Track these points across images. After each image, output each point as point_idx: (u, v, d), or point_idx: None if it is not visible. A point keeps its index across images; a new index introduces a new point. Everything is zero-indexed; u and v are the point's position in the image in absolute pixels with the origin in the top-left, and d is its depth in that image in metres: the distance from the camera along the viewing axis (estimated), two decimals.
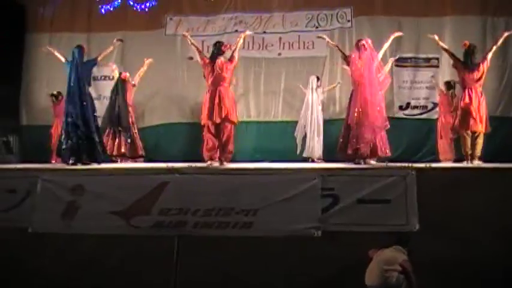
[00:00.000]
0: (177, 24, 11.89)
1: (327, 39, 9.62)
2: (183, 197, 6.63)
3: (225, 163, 7.91)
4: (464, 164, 8.14)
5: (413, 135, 10.78)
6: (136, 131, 10.26)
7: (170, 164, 7.66)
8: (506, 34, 8.82)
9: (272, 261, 6.44)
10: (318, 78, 10.58)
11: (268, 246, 6.46)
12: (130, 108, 10.21)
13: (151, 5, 12.04)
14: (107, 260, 6.87)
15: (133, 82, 10.29)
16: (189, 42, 9.14)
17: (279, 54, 11.52)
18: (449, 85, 10.32)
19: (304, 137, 10.22)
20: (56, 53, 9.30)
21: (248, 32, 9.43)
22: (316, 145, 10.15)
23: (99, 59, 9.52)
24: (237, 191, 6.50)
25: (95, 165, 8.09)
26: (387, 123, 8.16)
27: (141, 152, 10.17)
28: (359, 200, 6.37)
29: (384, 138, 8.05)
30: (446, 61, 11.09)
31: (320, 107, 10.42)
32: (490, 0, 11.16)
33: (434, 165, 7.60)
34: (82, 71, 8.66)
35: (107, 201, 6.89)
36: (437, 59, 11.28)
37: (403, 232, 5.88)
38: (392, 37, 9.05)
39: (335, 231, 6.36)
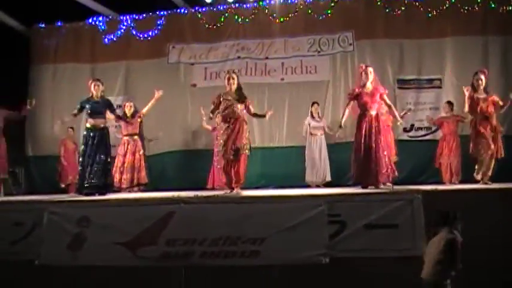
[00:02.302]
0: (180, 52, 12.01)
1: None
2: (190, 227, 6.61)
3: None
4: (470, 186, 8.10)
5: (418, 157, 10.74)
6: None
7: (176, 194, 7.65)
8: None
9: None
10: (314, 104, 10.66)
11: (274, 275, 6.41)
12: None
13: (153, 34, 12.16)
14: None
15: (139, 114, 10.22)
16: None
17: (282, 79, 11.57)
18: (450, 104, 10.28)
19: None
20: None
21: None
22: (319, 170, 10.21)
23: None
24: (244, 220, 6.47)
25: (100, 197, 8.11)
26: None
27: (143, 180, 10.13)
28: (366, 225, 6.33)
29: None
30: (449, 81, 11.15)
31: (320, 132, 10.49)
32: (489, 20, 11.20)
33: (440, 187, 7.57)
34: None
35: (113, 232, 6.86)
36: (439, 79, 11.31)
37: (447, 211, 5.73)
38: None
39: (343, 257, 6.31)
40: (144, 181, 10.05)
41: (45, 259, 6.94)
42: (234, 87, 8.16)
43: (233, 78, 8.18)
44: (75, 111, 8.83)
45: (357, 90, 8.10)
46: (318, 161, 10.31)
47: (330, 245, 6.28)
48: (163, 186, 10.03)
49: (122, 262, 6.76)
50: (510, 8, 11.17)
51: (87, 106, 8.67)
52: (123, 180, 9.81)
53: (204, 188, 9.94)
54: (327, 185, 10.23)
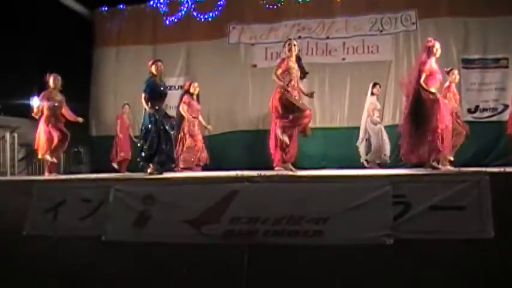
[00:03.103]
0: (240, 32, 12.06)
1: None
2: (253, 206, 6.62)
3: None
4: None
5: (483, 138, 10.50)
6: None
7: (240, 172, 7.71)
8: None
9: (344, 270, 6.36)
10: (374, 85, 10.42)
11: (340, 255, 6.38)
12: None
13: (214, 14, 12.26)
14: (177, 268, 6.93)
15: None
16: None
17: (343, 59, 11.51)
18: None
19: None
20: None
21: None
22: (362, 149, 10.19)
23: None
24: (307, 199, 6.43)
25: (165, 175, 8.24)
26: None
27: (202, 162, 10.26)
28: (431, 206, 6.18)
29: None
30: None
31: (373, 113, 10.31)
32: None
33: (508, 169, 7.35)
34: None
35: (178, 210, 6.93)
36: (506, 59, 10.99)
37: None
38: None
39: (407, 239, 6.23)
40: (206, 161, 10.19)
41: (111, 235, 7.08)
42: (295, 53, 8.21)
43: (295, 45, 8.22)
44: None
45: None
46: (381, 141, 10.20)
47: (394, 226, 6.18)
48: (224, 165, 10.11)
49: (186, 239, 6.83)
50: None
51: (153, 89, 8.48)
52: (191, 159, 9.99)
53: (265, 168, 9.98)
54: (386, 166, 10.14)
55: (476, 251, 6.11)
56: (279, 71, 8.02)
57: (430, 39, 7.87)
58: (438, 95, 7.50)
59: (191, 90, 10.22)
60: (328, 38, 11.61)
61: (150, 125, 8.43)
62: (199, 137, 10.31)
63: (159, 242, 6.96)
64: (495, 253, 6.02)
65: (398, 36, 11.32)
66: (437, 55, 7.60)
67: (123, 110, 11.59)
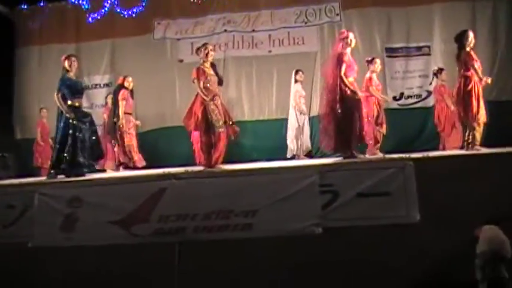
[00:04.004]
0: (166, 27, 11.89)
1: None
2: (182, 203, 6.58)
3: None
4: (461, 152, 8.08)
5: (409, 125, 10.72)
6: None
7: (167, 170, 7.62)
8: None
9: (274, 262, 6.39)
10: (297, 71, 10.39)
11: (270, 247, 6.40)
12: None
13: (138, 10, 12.02)
14: (108, 270, 6.81)
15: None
16: None
17: (270, 51, 11.50)
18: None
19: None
20: None
21: None
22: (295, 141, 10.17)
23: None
24: (235, 193, 6.45)
25: (90, 176, 8.02)
26: None
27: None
28: (358, 194, 6.32)
29: None
30: (438, 48, 11.09)
31: (299, 101, 10.25)
32: None
33: (432, 154, 7.55)
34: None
35: (105, 211, 6.84)
36: (428, 47, 11.25)
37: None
38: None
39: (336, 227, 6.30)
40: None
41: (37, 241, 6.91)
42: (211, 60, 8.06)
43: (212, 50, 8.07)
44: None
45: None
46: (307, 131, 10.27)
47: (322, 215, 6.28)
48: (154, 163, 9.95)
49: (115, 240, 6.74)
50: None
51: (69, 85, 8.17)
52: (134, 159, 9.78)
53: (195, 164, 9.89)
54: (308, 155, 10.28)
55: (402, 236, 6.27)
56: (201, 84, 7.84)
57: (343, 31, 8.05)
58: (357, 90, 7.60)
59: (125, 84, 9.94)
60: (254, 31, 11.57)
61: (65, 129, 8.06)
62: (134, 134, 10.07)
63: (87, 245, 6.81)
64: (420, 237, 6.19)
65: (323, 28, 11.40)
66: (352, 46, 7.69)
67: (41, 115, 11.21)
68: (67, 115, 8.01)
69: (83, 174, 7.98)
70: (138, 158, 9.92)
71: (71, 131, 8.02)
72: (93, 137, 8.32)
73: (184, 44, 11.68)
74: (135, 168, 9.82)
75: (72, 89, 8.17)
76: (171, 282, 6.58)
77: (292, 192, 6.32)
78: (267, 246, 6.41)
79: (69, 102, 8.08)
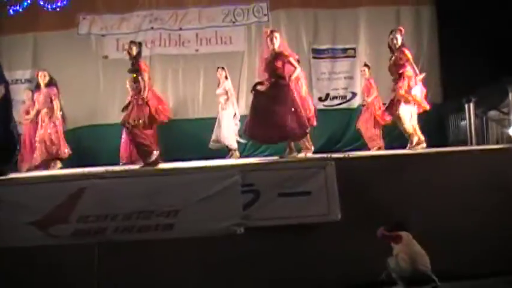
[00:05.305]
0: (91, 22, 11.67)
1: None
2: (102, 203, 6.40)
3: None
4: (382, 152, 8.29)
5: (334, 125, 10.94)
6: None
7: (87, 169, 7.45)
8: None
9: (196, 262, 6.36)
10: (222, 68, 10.36)
11: (192, 247, 6.36)
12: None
13: (62, 4, 11.71)
14: (26, 273, 6.59)
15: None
16: None
17: (197, 50, 11.51)
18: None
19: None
20: None
21: None
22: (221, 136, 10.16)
23: None
24: (157, 193, 6.32)
25: (7, 176, 7.72)
26: None
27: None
28: (280, 193, 6.33)
29: None
30: (363, 51, 11.36)
31: (224, 98, 10.23)
32: None
33: (352, 154, 7.70)
34: None
35: (23, 212, 6.56)
36: (354, 49, 11.52)
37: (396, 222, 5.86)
38: None
39: (258, 226, 6.32)
40: (64, 155, 9.67)
41: None
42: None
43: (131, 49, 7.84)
44: None
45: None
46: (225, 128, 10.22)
47: (244, 214, 6.26)
48: (77, 162, 9.71)
49: (33, 242, 6.48)
50: None
51: None
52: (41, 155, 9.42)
53: (119, 163, 9.74)
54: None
55: (323, 234, 6.35)
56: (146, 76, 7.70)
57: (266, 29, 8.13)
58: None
59: (39, 80, 9.60)
60: (181, 29, 11.56)
61: None
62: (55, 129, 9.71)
63: (4, 248, 6.56)
64: (341, 235, 6.29)
65: (251, 27, 11.51)
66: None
67: None
68: None
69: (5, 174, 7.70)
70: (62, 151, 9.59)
71: None
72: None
73: (110, 40, 11.53)
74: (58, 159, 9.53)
75: None
76: (91, 284, 6.43)
77: (214, 192, 6.27)
78: (189, 247, 6.36)
79: None
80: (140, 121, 7.66)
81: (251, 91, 7.72)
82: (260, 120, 7.42)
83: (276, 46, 7.52)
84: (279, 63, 7.43)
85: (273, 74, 7.46)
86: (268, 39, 7.56)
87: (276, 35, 7.56)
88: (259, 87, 7.62)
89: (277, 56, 7.47)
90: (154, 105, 7.72)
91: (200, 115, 11.20)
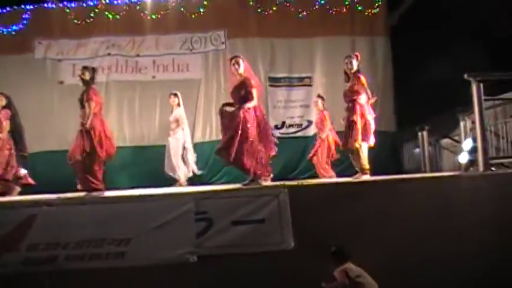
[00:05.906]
0: (47, 47, 11.55)
1: None
2: (53, 230, 6.32)
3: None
4: (334, 180, 8.39)
5: (289, 153, 10.99)
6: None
7: (38, 196, 7.34)
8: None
9: None
10: (174, 95, 10.32)
11: (144, 275, 6.30)
12: None
13: (18, 28, 11.59)
14: None
15: None
16: None
17: (153, 77, 11.51)
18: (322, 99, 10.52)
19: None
20: None
21: None
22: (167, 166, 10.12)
23: None
24: (109, 221, 6.28)
25: None
26: None
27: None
28: (233, 222, 6.36)
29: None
30: (318, 80, 11.54)
31: (175, 125, 10.18)
32: (356, 22, 11.76)
33: (306, 182, 7.78)
34: None
35: None
36: (310, 77, 11.69)
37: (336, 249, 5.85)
38: None
39: (211, 255, 6.31)
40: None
41: None
42: None
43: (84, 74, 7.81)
44: None
45: None
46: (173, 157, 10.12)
47: (197, 243, 6.26)
48: (30, 188, 9.51)
49: None
50: (375, 11, 11.79)
51: None
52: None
53: (74, 190, 9.57)
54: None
55: (276, 263, 6.37)
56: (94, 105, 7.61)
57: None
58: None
59: None
60: (138, 55, 11.55)
61: None
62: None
63: None
64: (295, 263, 6.31)
65: (208, 55, 11.58)
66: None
67: None
68: None
69: None
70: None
71: None
72: None
73: (66, 65, 11.43)
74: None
75: None
76: None
77: (167, 220, 6.27)
78: (141, 275, 6.29)
79: None
80: (84, 154, 7.57)
81: (219, 113, 7.71)
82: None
83: (241, 71, 7.62)
84: (242, 92, 7.52)
85: (238, 101, 7.56)
86: (232, 66, 7.66)
87: (239, 60, 7.67)
88: (227, 108, 7.66)
89: (241, 83, 7.57)
90: (98, 136, 7.62)
91: (156, 142, 11.10)
